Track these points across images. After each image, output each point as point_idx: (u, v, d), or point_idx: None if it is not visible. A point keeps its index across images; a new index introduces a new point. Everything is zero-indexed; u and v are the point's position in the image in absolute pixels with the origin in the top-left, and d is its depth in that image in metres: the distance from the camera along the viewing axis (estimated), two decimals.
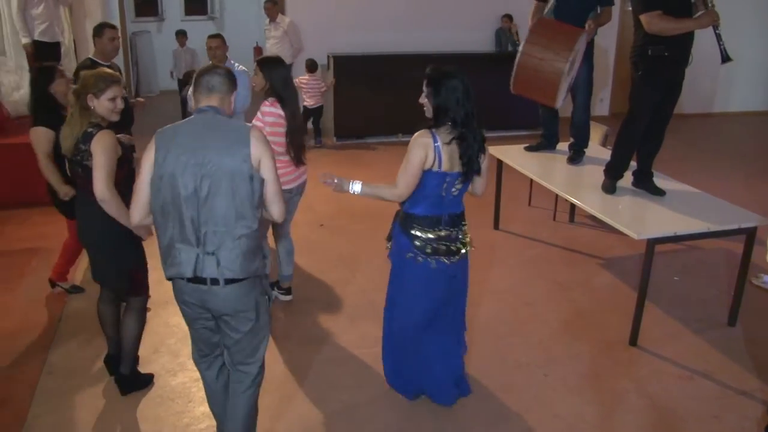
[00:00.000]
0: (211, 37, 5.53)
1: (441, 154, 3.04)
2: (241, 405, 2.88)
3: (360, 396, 3.60)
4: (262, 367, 2.91)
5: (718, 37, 4.22)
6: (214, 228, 2.55)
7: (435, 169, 3.06)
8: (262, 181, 2.59)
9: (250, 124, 2.65)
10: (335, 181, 3.17)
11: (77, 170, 3.21)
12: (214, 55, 5.42)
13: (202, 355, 2.95)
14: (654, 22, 4.16)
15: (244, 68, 5.55)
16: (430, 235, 3.16)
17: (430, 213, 3.17)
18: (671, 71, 4.35)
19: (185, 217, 2.55)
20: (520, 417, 3.47)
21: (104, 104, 3.18)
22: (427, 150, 3.03)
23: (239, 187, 2.53)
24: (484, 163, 3.19)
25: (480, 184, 3.27)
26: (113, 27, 5.03)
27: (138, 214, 2.68)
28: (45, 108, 4.02)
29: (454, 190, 3.14)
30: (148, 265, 3.47)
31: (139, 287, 3.47)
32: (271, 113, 4.06)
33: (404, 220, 3.22)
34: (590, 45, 5.19)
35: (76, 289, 4.60)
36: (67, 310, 4.40)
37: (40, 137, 3.99)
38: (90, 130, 3.12)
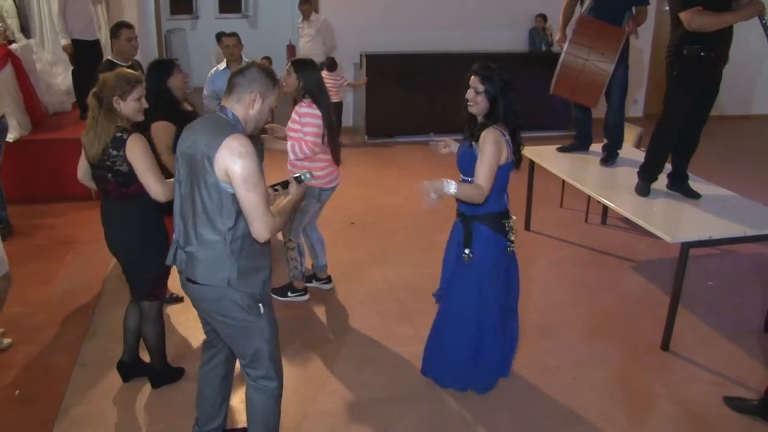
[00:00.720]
0: (227, 35, 5.58)
1: (511, 145, 3.22)
2: (258, 413, 2.85)
3: (390, 394, 3.61)
4: (271, 379, 2.81)
5: (765, 27, 4.11)
6: (187, 225, 2.60)
7: (509, 160, 3.23)
8: (231, 195, 2.48)
9: (234, 133, 2.46)
10: (432, 195, 3.11)
11: (106, 176, 3.16)
12: (231, 53, 5.48)
13: (208, 339, 3.00)
14: (694, 18, 4.07)
15: None
16: (511, 224, 3.36)
17: (506, 205, 3.36)
18: (707, 71, 4.27)
19: (176, 208, 2.65)
20: (548, 420, 3.44)
21: (131, 105, 3.14)
22: (501, 146, 3.16)
23: (209, 191, 2.49)
24: None
25: None
26: (130, 27, 5.04)
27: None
28: (165, 102, 3.94)
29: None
30: None
31: (155, 293, 3.45)
32: (308, 114, 4.13)
33: (492, 220, 3.30)
34: (625, 45, 5.12)
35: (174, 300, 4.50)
36: (100, 304, 4.48)
37: (164, 131, 3.91)
38: (119, 134, 3.07)
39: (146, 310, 3.45)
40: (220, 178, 2.45)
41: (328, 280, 4.80)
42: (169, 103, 3.99)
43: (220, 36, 5.72)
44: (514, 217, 3.42)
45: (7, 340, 3.96)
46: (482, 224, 3.31)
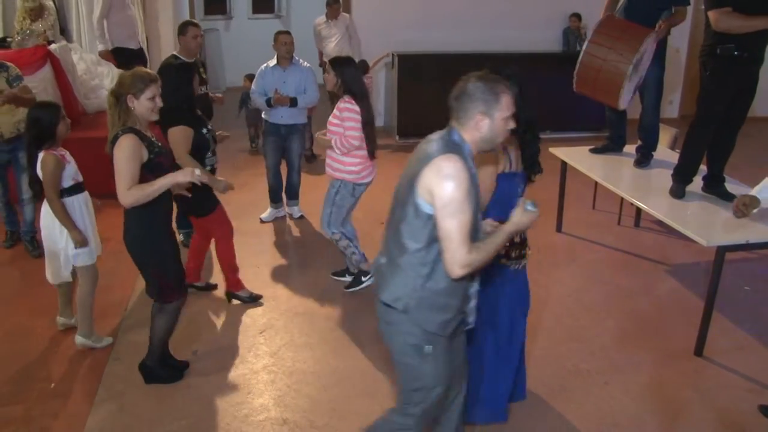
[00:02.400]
0: (283, 33, 5.69)
1: (510, 154, 3.00)
2: None
3: None
4: (407, 428, 2.62)
5: None
6: (387, 236, 2.52)
7: (507, 170, 3.01)
8: (427, 216, 2.32)
9: (448, 153, 2.29)
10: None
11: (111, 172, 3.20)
12: (288, 50, 5.57)
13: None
14: (722, 20, 4.01)
15: (309, 65, 5.69)
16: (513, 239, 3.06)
17: (506, 216, 2.97)
18: (741, 72, 4.18)
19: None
20: (579, 424, 3.40)
21: (144, 104, 3.16)
22: (498, 153, 2.99)
23: (408, 207, 2.37)
24: None
25: None
26: (196, 25, 5.27)
27: None
28: (186, 107, 4.06)
29: (520, 190, 3.09)
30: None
31: (167, 294, 3.44)
32: (347, 109, 4.31)
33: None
34: (662, 45, 5.03)
35: (252, 298, 4.56)
36: (133, 300, 4.55)
37: (184, 135, 4.02)
38: (118, 132, 3.10)
39: (164, 306, 3.50)
40: (422, 197, 2.31)
41: (367, 272, 4.80)
42: (189, 108, 4.07)
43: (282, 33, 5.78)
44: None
45: (107, 339, 4.06)
46: None
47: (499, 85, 2.35)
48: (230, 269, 4.47)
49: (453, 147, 2.33)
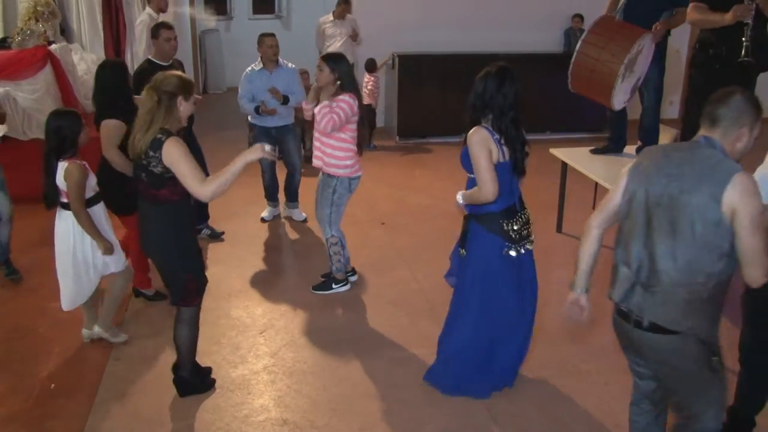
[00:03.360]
0: (268, 35, 5.62)
1: (501, 144, 3.14)
2: None
3: (419, 395, 3.60)
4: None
5: (744, 32, 4.07)
6: (656, 262, 2.39)
7: (501, 160, 3.15)
8: (731, 232, 2.26)
9: (741, 170, 2.26)
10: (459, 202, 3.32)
11: (141, 175, 3.17)
12: (274, 53, 5.54)
13: (645, 395, 2.86)
14: (692, 11, 4.26)
15: (293, 66, 5.66)
16: (515, 226, 3.26)
17: (506, 205, 3.25)
18: (718, 68, 4.23)
19: (636, 237, 2.48)
20: (579, 425, 3.40)
21: (190, 107, 3.20)
22: (488, 144, 3.11)
23: (704, 229, 2.28)
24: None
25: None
26: (169, 27, 5.10)
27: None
28: (121, 103, 4.03)
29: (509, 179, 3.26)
30: (210, 259, 3.53)
31: (190, 297, 3.39)
32: (347, 103, 4.28)
33: (487, 219, 3.24)
34: (662, 45, 5.02)
35: (159, 297, 4.54)
36: (134, 301, 4.55)
37: (118, 130, 3.99)
38: (159, 136, 3.05)
39: (181, 311, 3.45)
40: (728, 217, 2.24)
41: (353, 272, 4.89)
42: (126, 104, 4.03)
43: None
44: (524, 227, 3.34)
45: (123, 335, 4.06)
46: (477, 223, 3.28)
47: (761, 105, 2.40)
48: (142, 269, 4.44)
49: (727, 158, 2.32)
